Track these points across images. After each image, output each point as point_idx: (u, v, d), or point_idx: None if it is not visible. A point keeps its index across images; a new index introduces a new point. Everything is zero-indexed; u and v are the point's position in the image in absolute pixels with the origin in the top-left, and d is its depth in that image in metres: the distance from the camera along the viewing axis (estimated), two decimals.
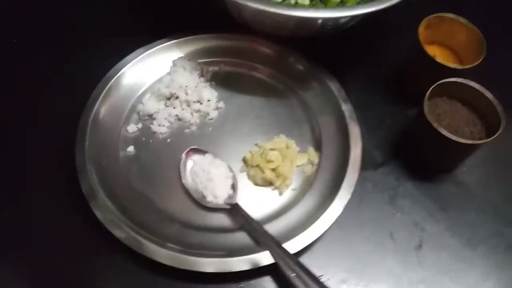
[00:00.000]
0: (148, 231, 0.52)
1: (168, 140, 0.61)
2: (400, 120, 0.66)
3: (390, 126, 0.65)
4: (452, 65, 0.61)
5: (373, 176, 0.61)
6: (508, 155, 0.64)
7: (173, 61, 0.65)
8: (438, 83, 0.58)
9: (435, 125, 0.55)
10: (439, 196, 0.60)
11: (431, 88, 0.58)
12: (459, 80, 0.59)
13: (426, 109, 0.57)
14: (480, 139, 0.58)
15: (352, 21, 0.63)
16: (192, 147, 0.59)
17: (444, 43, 0.69)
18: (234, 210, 0.55)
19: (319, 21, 0.60)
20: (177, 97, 0.62)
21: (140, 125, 0.62)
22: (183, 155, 0.58)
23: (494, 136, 0.55)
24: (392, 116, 0.66)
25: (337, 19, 0.59)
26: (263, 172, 0.58)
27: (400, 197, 0.59)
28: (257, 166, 0.58)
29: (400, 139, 0.64)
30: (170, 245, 0.51)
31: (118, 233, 0.51)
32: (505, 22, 0.78)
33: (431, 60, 0.61)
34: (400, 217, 0.58)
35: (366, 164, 0.61)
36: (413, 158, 0.62)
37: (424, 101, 0.57)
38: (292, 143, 0.61)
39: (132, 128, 0.61)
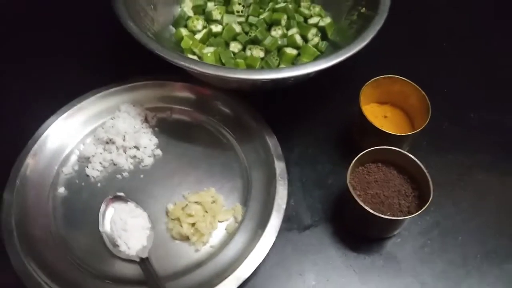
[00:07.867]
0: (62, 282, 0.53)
1: (99, 185, 0.62)
2: (341, 182, 0.63)
3: (330, 187, 0.63)
4: (387, 130, 0.59)
5: (297, 238, 0.59)
6: (448, 229, 0.60)
7: (120, 106, 0.67)
8: (365, 151, 0.56)
9: (354, 194, 0.53)
10: (362, 267, 0.57)
11: (357, 157, 0.56)
12: (386, 147, 0.56)
13: (348, 177, 0.55)
14: (409, 212, 0.55)
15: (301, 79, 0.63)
16: (118, 194, 0.60)
17: (398, 104, 0.67)
18: (143, 263, 0.55)
19: (261, 82, 0.61)
20: (113, 142, 0.63)
21: (76, 167, 0.63)
22: (104, 202, 0.59)
23: (418, 213, 0.52)
24: (335, 176, 0.64)
25: (274, 80, 0.59)
26: (181, 225, 0.57)
27: (320, 264, 0.57)
28: (177, 219, 0.58)
29: (336, 202, 0.62)
30: None
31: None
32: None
33: (366, 122, 0.59)
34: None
35: (293, 224, 0.60)
36: (341, 224, 0.60)
37: (348, 169, 0.55)
38: (220, 198, 0.60)
39: (67, 169, 0.63)
